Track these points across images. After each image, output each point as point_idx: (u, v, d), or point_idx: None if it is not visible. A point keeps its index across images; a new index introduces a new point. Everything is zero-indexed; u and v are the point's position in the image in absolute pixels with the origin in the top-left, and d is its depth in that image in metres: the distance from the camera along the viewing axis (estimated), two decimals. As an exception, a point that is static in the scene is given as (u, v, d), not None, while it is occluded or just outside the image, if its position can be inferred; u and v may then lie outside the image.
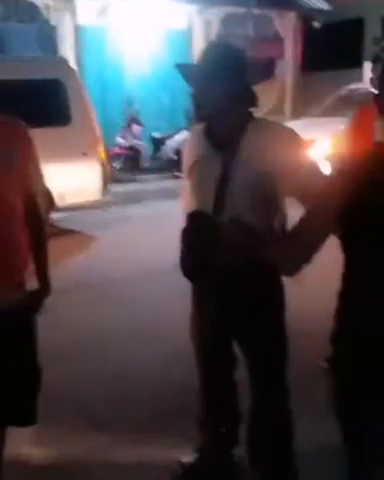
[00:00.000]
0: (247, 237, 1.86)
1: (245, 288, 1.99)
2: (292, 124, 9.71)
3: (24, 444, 2.49)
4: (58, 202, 6.13)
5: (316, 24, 12.98)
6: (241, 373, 2.18)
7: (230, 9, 11.99)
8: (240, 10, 12.00)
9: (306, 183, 1.82)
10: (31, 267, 2.00)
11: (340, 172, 1.50)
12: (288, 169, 1.93)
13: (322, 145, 7.44)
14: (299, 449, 2.14)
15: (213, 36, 11.81)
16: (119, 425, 2.70)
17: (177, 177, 8.14)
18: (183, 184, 2.19)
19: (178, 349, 3.06)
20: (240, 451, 2.24)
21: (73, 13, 10.37)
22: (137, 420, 2.73)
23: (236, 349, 2.18)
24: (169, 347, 3.39)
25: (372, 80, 1.56)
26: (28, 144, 1.94)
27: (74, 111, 6.37)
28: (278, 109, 12.80)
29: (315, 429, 2.36)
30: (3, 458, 2.11)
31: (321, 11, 12.91)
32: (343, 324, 1.52)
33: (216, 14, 12.00)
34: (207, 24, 11.94)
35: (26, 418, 2.03)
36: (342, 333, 1.52)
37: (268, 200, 2.00)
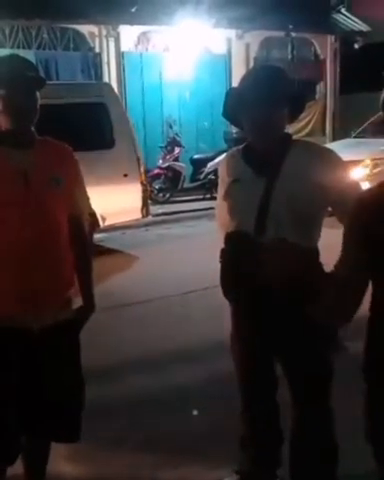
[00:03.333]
0: (291, 257, 1.88)
1: (287, 307, 1.98)
2: (333, 145, 9.72)
3: (63, 461, 2.52)
4: (101, 222, 6.26)
5: (356, 46, 12.97)
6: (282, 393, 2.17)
7: (269, 33, 12.12)
8: (279, 34, 12.12)
9: (348, 203, 1.84)
10: (76, 285, 2.07)
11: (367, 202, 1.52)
12: (330, 189, 1.95)
13: (363, 166, 7.40)
14: (343, 472, 2.11)
15: (252, 60, 11.94)
16: (160, 445, 2.71)
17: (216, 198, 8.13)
18: (218, 204, 2.22)
19: (219, 369, 3.06)
20: (283, 472, 2.22)
21: (117, 40, 10.68)
22: (178, 440, 2.73)
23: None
24: (210, 367, 3.39)
25: None
26: (74, 166, 2.02)
27: (117, 134, 6.54)
28: (319, 130, 12.78)
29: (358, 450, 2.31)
30: (46, 474, 2.15)
31: (360, 33, 12.90)
32: (373, 354, 1.51)
33: (255, 38, 12.14)
34: (246, 48, 12.08)
35: (70, 434, 2.07)
36: (372, 363, 1.51)
37: (310, 221, 2.02)
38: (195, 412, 2.98)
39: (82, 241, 2.05)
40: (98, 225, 6.02)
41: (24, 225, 1.85)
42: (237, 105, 1.99)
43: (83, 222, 2.06)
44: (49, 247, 1.90)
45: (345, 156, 2.75)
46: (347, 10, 12.92)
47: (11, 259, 1.85)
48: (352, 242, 1.53)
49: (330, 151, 2.10)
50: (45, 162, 1.92)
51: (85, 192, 2.08)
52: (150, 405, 3.07)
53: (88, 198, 2.10)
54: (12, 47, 9.72)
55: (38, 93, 1.90)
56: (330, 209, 2.05)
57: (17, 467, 2.07)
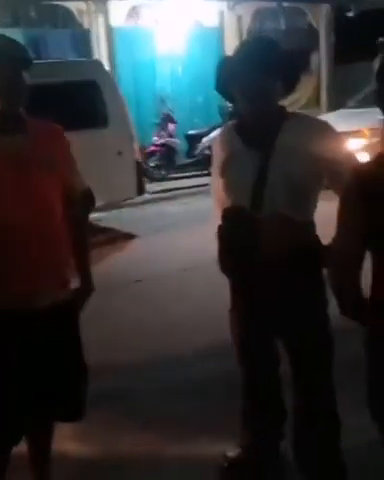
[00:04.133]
0: (287, 230, 1.87)
1: (287, 282, 1.98)
2: (329, 116, 9.60)
3: (68, 440, 2.54)
4: (96, 201, 6.23)
5: (350, 14, 12.74)
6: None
7: (261, 4, 11.89)
8: (271, 4, 11.89)
9: (343, 175, 1.82)
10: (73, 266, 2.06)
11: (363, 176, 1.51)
12: (325, 162, 1.94)
13: (359, 137, 7.33)
14: (346, 445, 2.13)
15: (245, 32, 11.74)
16: (163, 424, 2.72)
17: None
18: (213, 181, 2.20)
19: (219, 344, 3.08)
20: (285, 445, 2.24)
21: (106, 15, 10.48)
22: (181, 416, 2.76)
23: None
24: (210, 342, 3.41)
25: None
26: (65, 147, 2.00)
27: (110, 112, 6.46)
28: (314, 101, 12.64)
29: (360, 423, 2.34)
30: (50, 452, 2.17)
31: (355, 0, 12.67)
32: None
33: (247, 10, 11.92)
34: (238, 20, 11.87)
35: (73, 413, 2.09)
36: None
37: (306, 194, 2.00)
38: (198, 387, 3.00)
39: (77, 221, 2.04)
40: (93, 204, 5.99)
41: (18, 208, 1.85)
42: (229, 78, 1.96)
43: (77, 202, 2.05)
44: (44, 229, 1.89)
45: (341, 127, 2.71)
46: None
47: (7, 242, 1.84)
48: (349, 213, 1.52)
49: (325, 123, 2.07)
50: (36, 144, 1.90)
51: (77, 172, 2.06)
52: (151, 384, 3.09)
53: (81, 177, 2.08)
54: (0, 26, 9.54)
55: (26, 73, 1.86)
56: (326, 182, 2.03)
57: (21, 447, 2.08)
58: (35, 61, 2.04)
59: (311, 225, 2.04)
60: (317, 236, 2.04)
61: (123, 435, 2.68)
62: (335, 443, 2.11)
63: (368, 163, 1.57)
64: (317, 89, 12.89)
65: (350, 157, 2.02)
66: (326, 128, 2.02)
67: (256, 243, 1.92)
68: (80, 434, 2.62)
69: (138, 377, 3.16)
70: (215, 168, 2.15)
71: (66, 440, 2.51)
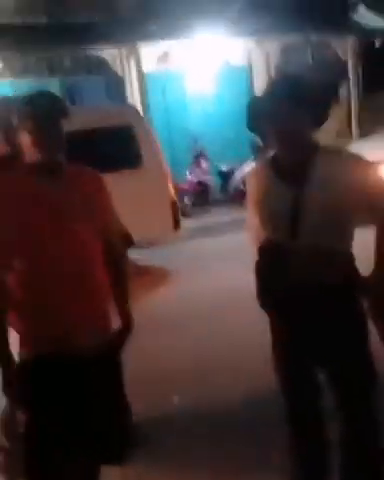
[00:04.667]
0: (327, 261, 1.87)
1: (326, 314, 1.98)
2: (359, 145, 9.54)
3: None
4: (134, 240, 6.32)
5: (377, 44, 12.84)
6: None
7: (288, 39, 12.10)
8: (298, 39, 12.09)
9: (379, 207, 1.82)
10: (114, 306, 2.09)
11: None
12: (362, 195, 1.95)
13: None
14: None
15: (272, 68, 11.94)
16: (213, 460, 2.69)
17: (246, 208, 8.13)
18: (249, 217, 2.22)
19: (262, 381, 3.04)
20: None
21: (137, 61, 10.85)
22: (231, 455, 2.72)
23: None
24: (252, 380, 3.36)
25: None
26: (104, 191, 2.06)
27: (144, 154, 6.63)
28: (345, 131, 12.64)
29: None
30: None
31: (380, 30, 12.77)
32: None
33: (274, 46, 12.14)
34: (266, 57, 12.08)
35: (121, 456, 2.08)
36: None
37: (342, 226, 2.01)
38: (243, 426, 2.95)
39: (117, 265, 2.08)
40: (132, 243, 6.08)
41: (57, 255, 1.90)
42: (260, 117, 2.01)
43: (116, 246, 2.09)
44: (86, 274, 1.94)
45: (373, 155, 2.71)
46: (367, 8, 12.81)
47: (51, 290, 1.89)
48: None
49: (357, 155, 2.09)
50: (74, 191, 1.96)
51: (116, 216, 2.11)
52: (198, 422, 3.06)
53: (118, 219, 2.14)
54: (37, 76, 9.98)
55: (64, 122, 1.95)
56: (363, 215, 2.03)
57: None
58: (73, 108, 2.13)
59: (348, 256, 2.04)
60: (355, 266, 2.03)
61: (175, 477, 2.64)
62: (381, 472, 2.05)
63: None
64: (348, 119, 12.91)
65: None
66: (358, 159, 2.05)
67: (293, 277, 1.92)
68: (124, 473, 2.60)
69: (182, 418, 3.13)
70: (250, 203, 2.18)
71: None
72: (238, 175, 10.08)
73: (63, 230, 1.90)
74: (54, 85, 9.47)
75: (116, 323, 2.10)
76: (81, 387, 1.93)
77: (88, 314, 1.94)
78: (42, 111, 1.89)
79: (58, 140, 1.92)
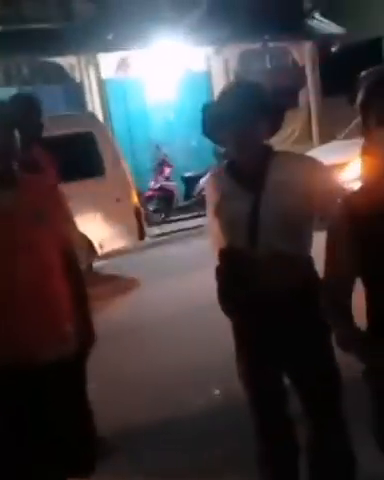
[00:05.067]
0: (286, 265, 1.88)
1: (288, 319, 1.98)
2: (320, 149, 9.66)
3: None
4: (98, 250, 6.26)
5: (334, 49, 13.11)
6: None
7: (246, 46, 12.25)
8: (256, 46, 12.25)
9: (334, 204, 1.84)
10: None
11: (350, 205, 1.54)
12: (315, 195, 1.96)
13: (352, 167, 7.41)
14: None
15: (231, 74, 12.05)
16: (169, 472, 2.67)
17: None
18: (209, 222, 2.22)
19: (225, 388, 3.04)
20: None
21: (97, 68, 10.80)
22: (188, 464, 2.70)
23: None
24: (217, 384, 3.36)
25: None
26: (59, 200, 2.04)
27: (106, 161, 6.59)
28: (306, 136, 12.85)
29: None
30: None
31: (336, 35, 13.05)
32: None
33: (233, 52, 12.27)
34: (225, 63, 12.20)
35: (84, 467, 2.05)
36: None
37: (300, 229, 2.02)
38: (207, 431, 2.94)
39: (75, 274, 2.05)
40: (95, 253, 6.03)
41: (15, 266, 1.86)
42: (215, 122, 2.01)
43: (74, 255, 2.06)
44: (43, 284, 1.90)
45: (333, 159, 2.75)
46: (322, 14, 13.08)
47: (6, 304, 1.85)
48: (338, 245, 1.55)
49: (311, 158, 2.12)
50: (30, 199, 1.93)
51: (73, 224, 2.08)
52: (160, 429, 3.03)
53: (76, 229, 2.11)
54: (-6, 86, 9.83)
55: (16, 132, 1.92)
56: (319, 213, 2.05)
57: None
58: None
59: (308, 259, 2.05)
60: (315, 270, 2.05)
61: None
62: (351, 478, 2.06)
63: (355, 193, 1.60)
64: (308, 123, 13.12)
65: (339, 188, 2.05)
66: (313, 162, 2.07)
67: (254, 282, 1.92)
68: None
69: (144, 425, 3.10)
70: (209, 210, 2.18)
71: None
72: (202, 181, 10.11)
73: (17, 241, 1.87)
74: (11, 95, 9.30)
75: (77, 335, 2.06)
76: (41, 398, 1.89)
77: (46, 326, 1.90)
78: None
79: (10, 149, 1.89)
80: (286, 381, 2.14)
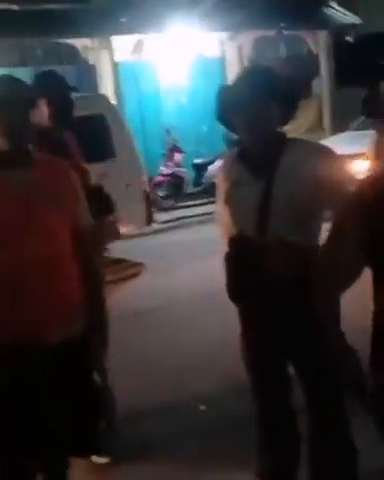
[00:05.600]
0: (294, 255, 1.89)
1: (294, 307, 1.99)
2: (332, 139, 9.62)
3: (84, 475, 2.53)
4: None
5: (349, 39, 12.96)
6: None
7: (261, 33, 12.13)
8: (271, 33, 12.13)
9: (344, 196, 1.83)
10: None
11: (360, 195, 1.54)
12: (326, 185, 1.95)
13: (364, 159, 7.37)
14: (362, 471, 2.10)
15: (245, 61, 11.96)
16: (180, 457, 2.71)
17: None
18: (218, 209, 2.22)
19: (231, 374, 3.06)
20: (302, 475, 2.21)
21: (110, 51, 10.74)
22: (195, 451, 2.73)
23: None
24: (223, 372, 3.38)
25: None
26: (73, 182, 2.03)
27: (117, 145, 6.56)
28: (317, 126, 12.76)
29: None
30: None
31: (352, 25, 12.89)
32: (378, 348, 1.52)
33: (247, 39, 12.16)
34: (239, 49, 12.10)
35: (88, 448, 2.08)
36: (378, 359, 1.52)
37: (310, 219, 2.02)
38: (210, 419, 2.97)
39: (85, 256, 2.05)
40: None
41: (27, 245, 1.87)
42: (229, 107, 2.00)
43: (86, 237, 2.07)
44: (54, 265, 1.91)
45: (345, 150, 2.73)
46: (338, 3, 12.91)
47: (15, 278, 1.86)
48: (346, 234, 1.54)
49: (324, 146, 2.11)
50: (44, 180, 1.93)
51: (85, 207, 2.09)
52: (165, 415, 3.06)
53: (88, 213, 2.11)
54: (8, 66, 9.80)
55: (32, 112, 1.92)
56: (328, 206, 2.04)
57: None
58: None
59: (316, 249, 2.05)
60: None
61: (136, 470, 2.65)
62: (351, 471, 2.08)
63: (365, 183, 1.59)
64: (320, 113, 13.02)
65: (351, 179, 2.05)
66: (326, 151, 2.06)
67: (262, 270, 1.93)
68: (95, 469, 2.60)
69: (148, 411, 3.13)
70: (220, 196, 2.18)
71: (82, 475, 2.49)
72: (212, 168, 10.09)
73: (28, 216, 1.87)
74: (25, 75, 9.26)
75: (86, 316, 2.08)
76: (49, 380, 1.91)
77: (56, 306, 1.92)
78: (8, 99, 1.85)
79: (26, 130, 1.89)
80: (291, 371, 2.15)
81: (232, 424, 2.86)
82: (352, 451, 2.09)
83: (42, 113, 2.31)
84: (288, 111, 2.04)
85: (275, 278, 1.93)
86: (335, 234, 1.57)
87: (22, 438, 1.89)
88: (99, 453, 2.47)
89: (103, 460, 2.64)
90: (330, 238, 1.59)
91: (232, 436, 2.73)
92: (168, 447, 2.79)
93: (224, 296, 2.11)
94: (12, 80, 1.95)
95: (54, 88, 2.66)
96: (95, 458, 2.60)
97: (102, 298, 2.15)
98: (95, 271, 2.10)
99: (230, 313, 2.24)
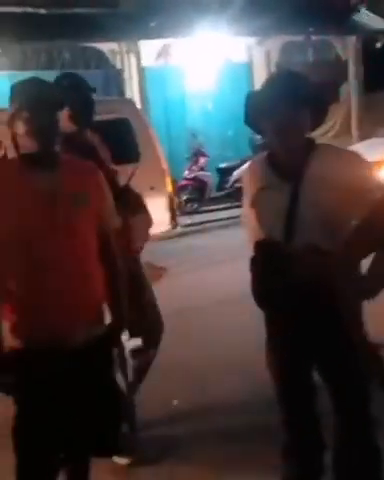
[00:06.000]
0: (322, 262, 1.87)
1: (321, 312, 1.96)
2: (360, 145, 9.54)
3: (105, 475, 2.53)
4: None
5: (379, 44, 12.85)
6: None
7: (289, 38, 12.09)
8: (299, 38, 12.08)
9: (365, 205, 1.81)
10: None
11: None
12: (355, 193, 1.92)
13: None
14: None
15: (273, 66, 11.92)
16: (200, 457, 2.69)
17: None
18: (244, 213, 2.21)
19: (253, 377, 3.04)
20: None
21: (137, 56, 10.80)
22: (219, 454, 2.71)
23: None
24: (245, 376, 3.36)
25: None
26: (99, 183, 2.05)
27: (142, 148, 6.60)
28: (345, 131, 12.65)
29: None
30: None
31: (382, 31, 12.76)
32: None
33: (275, 44, 12.12)
34: (267, 55, 12.07)
35: (109, 448, 2.08)
36: None
37: (338, 225, 1.99)
38: (234, 422, 2.95)
39: (110, 257, 2.07)
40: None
41: (51, 243, 1.88)
42: (258, 112, 1.99)
43: (111, 238, 2.07)
44: (79, 264, 1.92)
45: (373, 156, 2.70)
46: (368, 9, 12.81)
47: (41, 278, 1.87)
48: (369, 238, 1.55)
49: (353, 153, 2.08)
50: (71, 181, 1.95)
51: (112, 208, 2.09)
52: (186, 418, 3.05)
53: (115, 214, 2.12)
54: (36, 69, 9.93)
55: (59, 115, 1.93)
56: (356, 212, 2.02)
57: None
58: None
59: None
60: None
61: (157, 470, 2.64)
62: (377, 475, 2.04)
63: None
64: (347, 119, 12.90)
65: (380, 186, 2.02)
66: (355, 157, 2.03)
67: (288, 276, 1.91)
68: (116, 470, 2.60)
69: (174, 412, 3.12)
70: (246, 200, 2.16)
71: (103, 476, 2.49)
72: (236, 173, 10.07)
73: (55, 217, 1.88)
74: (52, 78, 9.36)
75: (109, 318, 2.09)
76: (72, 381, 1.92)
77: (80, 306, 1.92)
78: (37, 101, 1.87)
79: (53, 132, 1.91)
80: (316, 376, 2.12)
81: (255, 428, 2.84)
82: (379, 455, 2.06)
83: (63, 115, 2.33)
84: (317, 116, 2.03)
85: (302, 283, 1.91)
86: (359, 234, 1.59)
87: (48, 436, 1.90)
88: (120, 454, 2.46)
89: (124, 461, 2.64)
90: (355, 233, 1.60)
91: (255, 440, 2.71)
92: (190, 450, 2.78)
93: (246, 300, 2.09)
94: (40, 82, 1.97)
95: (75, 89, 2.67)
96: (116, 459, 2.60)
97: (126, 299, 2.15)
98: (120, 273, 2.11)
99: (251, 318, 2.22)
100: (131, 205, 2.68)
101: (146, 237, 2.81)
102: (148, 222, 2.83)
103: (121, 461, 2.63)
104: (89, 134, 2.90)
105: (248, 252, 2.07)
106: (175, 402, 3.15)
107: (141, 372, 2.84)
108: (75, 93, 2.61)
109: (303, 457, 2.20)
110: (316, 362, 2.09)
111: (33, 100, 1.87)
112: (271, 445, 2.30)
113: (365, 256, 1.66)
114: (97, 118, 6.62)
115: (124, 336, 2.63)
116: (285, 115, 1.90)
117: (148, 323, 2.79)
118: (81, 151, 2.49)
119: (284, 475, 2.25)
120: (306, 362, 2.10)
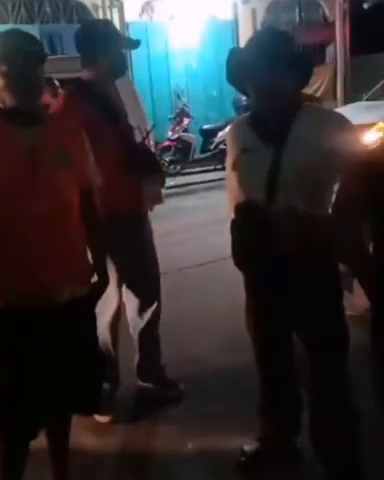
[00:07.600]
0: (303, 224, 1.88)
1: (300, 274, 1.98)
2: (345, 109, 9.45)
3: (85, 433, 2.57)
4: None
5: (365, 5, 12.59)
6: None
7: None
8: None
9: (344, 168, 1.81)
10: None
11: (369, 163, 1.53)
12: (339, 155, 1.91)
13: (376, 130, 7.25)
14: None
15: (259, 25, 11.67)
16: (181, 419, 2.74)
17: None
18: (227, 175, 2.18)
19: (233, 340, 3.09)
20: (302, 438, 2.25)
21: (121, 10, 10.48)
22: (197, 412, 2.76)
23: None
24: (224, 338, 3.41)
25: None
26: (83, 142, 2.01)
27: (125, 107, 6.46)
28: (330, 94, 12.53)
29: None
30: (68, 445, 2.20)
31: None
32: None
33: (261, 2, 11.83)
34: (253, 13, 11.79)
35: (90, 406, 2.11)
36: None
37: (320, 188, 1.99)
38: (214, 380, 3.00)
39: (93, 216, 2.05)
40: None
41: (35, 201, 1.85)
42: (241, 70, 1.94)
43: (93, 197, 2.05)
44: (61, 222, 1.89)
45: (357, 120, 2.68)
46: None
47: (24, 236, 1.85)
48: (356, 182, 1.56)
49: (339, 115, 2.06)
50: (53, 138, 1.91)
51: (94, 167, 2.06)
52: (170, 377, 3.09)
53: (97, 173, 2.09)
54: (15, 22, 9.60)
55: (41, 68, 1.87)
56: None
57: (41, 440, 2.11)
58: (50, 56, 2.06)
59: (326, 219, 2.03)
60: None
61: (140, 429, 2.70)
62: (353, 433, 2.11)
63: (374, 152, 1.58)
64: (333, 81, 12.76)
65: (361, 149, 2.00)
66: (340, 119, 2.00)
67: (269, 238, 1.92)
68: (97, 427, 2.65)
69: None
70: (229, 162, 2.14)
71: (84, 433, 2.54)
72: (220, 134, 9.96)
73: (37, 172, 1.85)
74: (33, 32, 9.02)
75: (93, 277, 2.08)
76: (55, 339, 1.92)
77: (63, 265, 1.91)
78: (17, 53, 1.81)
79: (36, 85, 1.85)
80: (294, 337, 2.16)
81: (235, 389, 2.89)
82: (355, 415, 2.09)
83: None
84: (302, 77, 1.99)
85: (282, 246, 1.92)
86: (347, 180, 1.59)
87: (29, 394, 1.92)
88: (101, 412, 2.50)
89: (105, 419, 2.68)
90: (344, 183, 1.62)
91: (234, 400, 2.76)
92: (169, 409, 2.83)
93: (229, 263, 2.10)
94: (21, 34, 1.90)
95: (114, 38, 2.60)
96: (97, 417, 2.64)
97: (106, 260, 2.15)
98: (100, 232, 2.10)
99: (236, 280, 2.24)
100: (144, 164, 2.61)
101: (157, 199, 2.75)
102: (161, 183, 2.75)
103: (102, 419, 2.67)
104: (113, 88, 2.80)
105: (229, 215, 2.07)
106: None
107: (155, 328, 2.87)
108: (112, 43, 2.53)
109: (280, 416, 2.25)
110: (294, 322, 2.12)
111: (11, 52, 1.80)
112: (250, 405, 2.34)
113: (359, 220, 1.64)
114: (78, 75, 6.48)
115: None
116: (267, 74, 1.85)
117: (152, 280, 2.81)
118: (101, 101, 2.48)
119: (261, 433, 2.32)
120: (284, 323, 2.13)
